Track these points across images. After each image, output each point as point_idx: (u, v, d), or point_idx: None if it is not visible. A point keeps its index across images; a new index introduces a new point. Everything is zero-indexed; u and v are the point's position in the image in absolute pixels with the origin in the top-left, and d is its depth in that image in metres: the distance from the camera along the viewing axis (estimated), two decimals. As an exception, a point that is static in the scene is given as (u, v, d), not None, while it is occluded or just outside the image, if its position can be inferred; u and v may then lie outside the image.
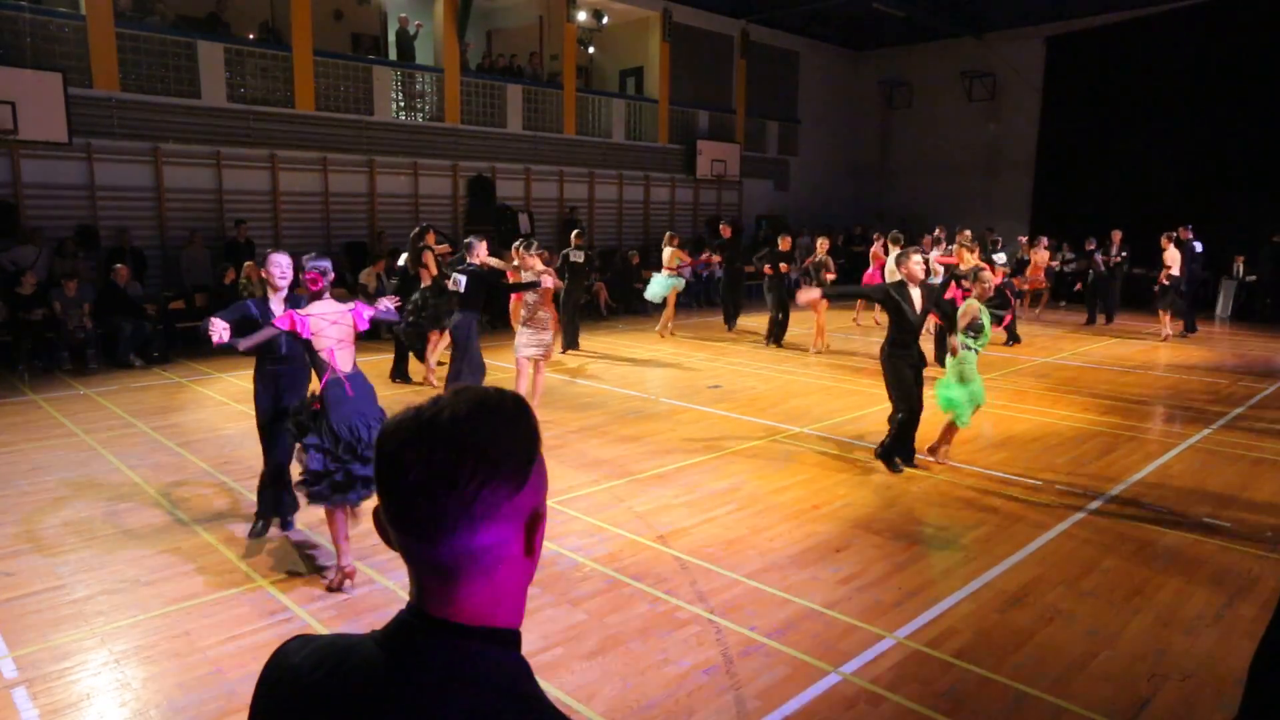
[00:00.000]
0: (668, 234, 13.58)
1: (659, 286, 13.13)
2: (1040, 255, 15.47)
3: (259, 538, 5.17)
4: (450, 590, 0.89)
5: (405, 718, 0.85)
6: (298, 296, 5.10)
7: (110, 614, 4.16)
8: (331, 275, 4.72)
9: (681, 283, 13.51)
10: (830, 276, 11.93)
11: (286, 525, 5.31)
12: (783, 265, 12.39)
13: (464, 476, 0.86)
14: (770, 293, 12.61)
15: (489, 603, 0.90)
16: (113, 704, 3.41)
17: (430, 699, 0.85)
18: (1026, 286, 15.32)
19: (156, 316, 11.29)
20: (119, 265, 10.96)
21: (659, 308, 13.87)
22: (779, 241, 12.66)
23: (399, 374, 9.74)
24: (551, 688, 3.52)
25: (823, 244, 12.33)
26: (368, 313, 4.72)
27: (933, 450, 6.81)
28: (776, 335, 12.75)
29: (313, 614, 4.18)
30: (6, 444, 7.13)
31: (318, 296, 4.65)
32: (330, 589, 4.43)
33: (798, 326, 13.64)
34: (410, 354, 9.87)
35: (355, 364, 4.69)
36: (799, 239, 20.77)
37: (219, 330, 4.57)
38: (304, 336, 4.50)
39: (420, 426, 0.88)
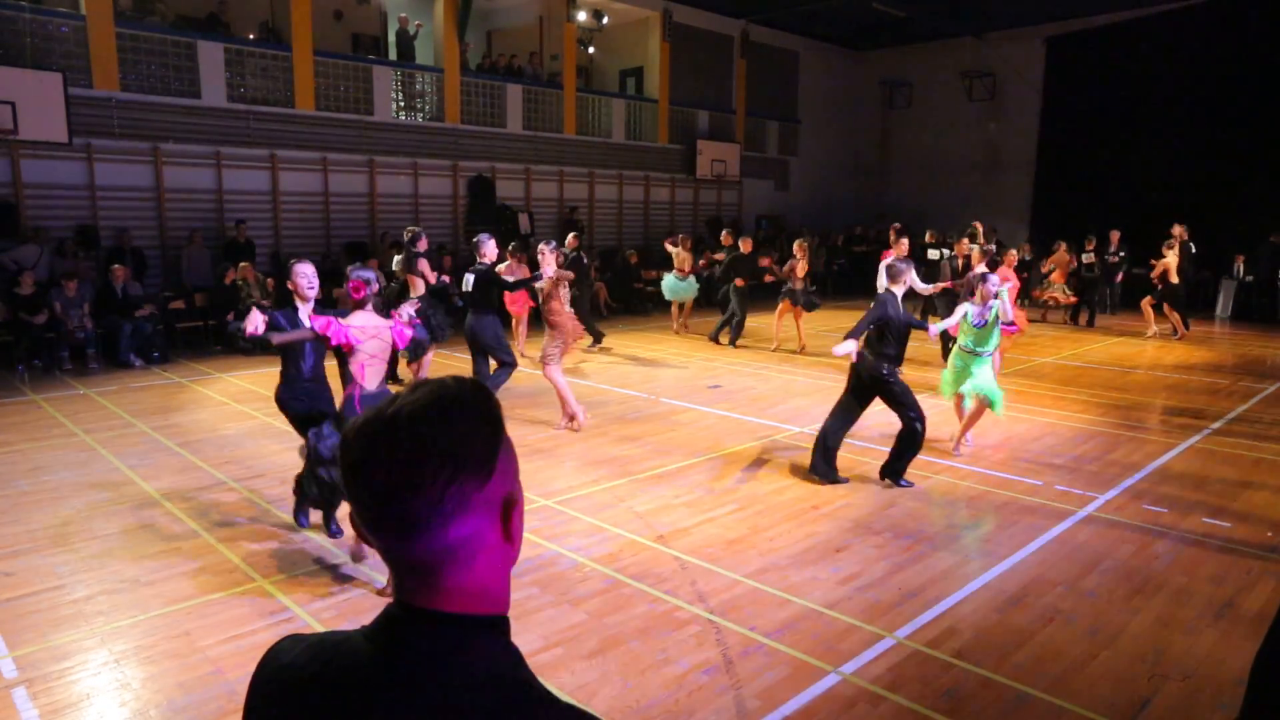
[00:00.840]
0: (680, 236, 13.66)
1: (673, 288, 13.34)
2: (1062, 258, 14.93)
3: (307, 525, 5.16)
4: (433, 584, 0.89)
5: (396, 710, 0.85)
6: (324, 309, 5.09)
7: (110, 614, 4.16)
8: (375, 286, 4.69)
9: (694, 287, 13.50)
10: (799, 284, 11.78)
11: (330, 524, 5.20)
12: (738, 280, 12.23)
13: (429, 477, 0.85)
14: (735, 296, 12.38)
15: (473, 593, 0.91)
16: (113, 704, 3.41)
17: (420, 690, 0.85)
18: (1056, 297, 14.92)
19: (157, 316, 11.28)
20: (115, 266, 10.95)
21: (663, 307, 13.91)
22: (740, 245, 12.57)
23: (390, 377, 9.77)
24: (551, 688, 3.50)
25: (799, 246, 11.90)
26: (408, 332, 4.73)
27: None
28: (732, 336, 12.59)
29: (313, 614, 4.18)
30: (6, 444, 7.13)
31: (360, 306, 4.63)
32: (381, 594, 4.39)
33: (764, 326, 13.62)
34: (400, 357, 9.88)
35: (384, 384, 4.67)
36: (799, 239, 20.80)
37: (255, 321, 4.54)
38: (336, 343, 4.48)
39: (380, 429, 0.87)
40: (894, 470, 6.28)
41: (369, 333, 4.58)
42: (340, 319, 4.55)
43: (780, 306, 12.05)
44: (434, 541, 0.87)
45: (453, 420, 0.88)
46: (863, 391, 6.28)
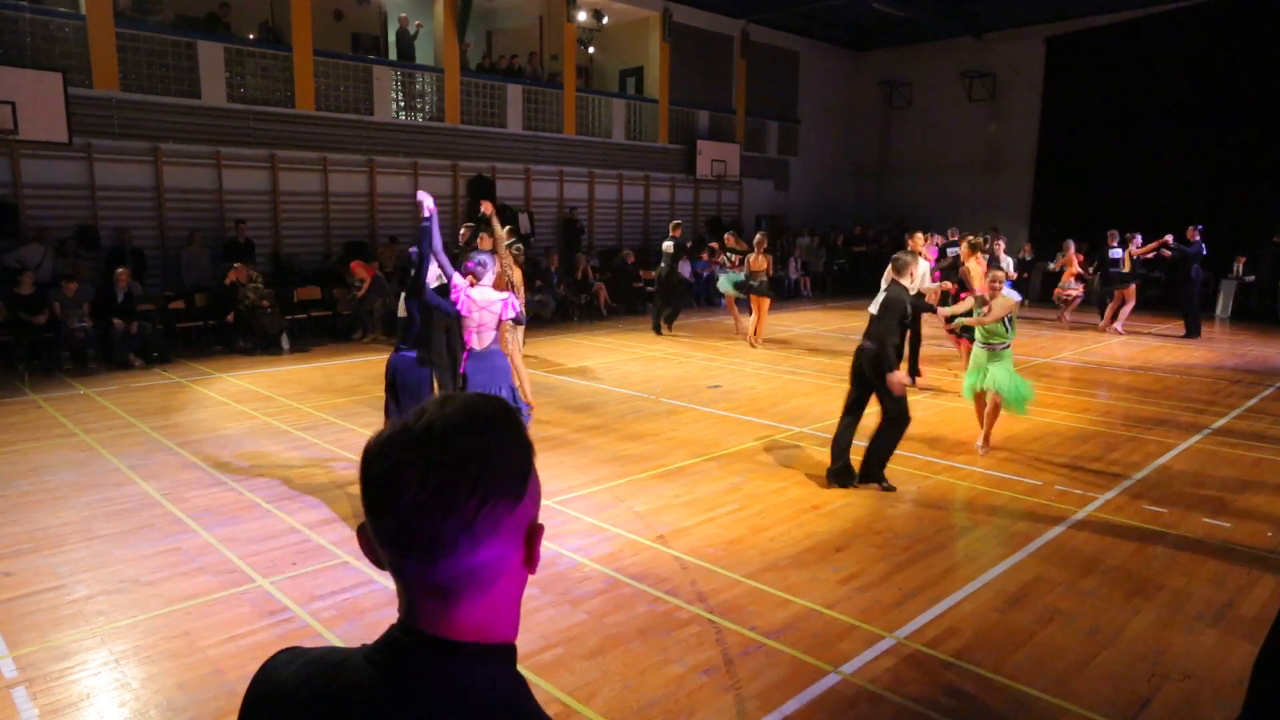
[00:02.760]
0: (727, 233, 13.93)
1: (727, 283, 13.45)
2: (1071, 259, 15.35)
3: None
4: (446, 609, 0.86)
5: None
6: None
7: (110, 614, 4.16)
8: (488, 269, 5.80)
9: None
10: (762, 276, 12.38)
11: None
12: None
13: (463, 495, 0.82)
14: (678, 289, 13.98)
15: (486, 618, 0.88)
16: (113, 704, 3.41)
17: (423, 719, 0.84)
18: (1069, 294, 15.46)
19: (156, 313, 11.27)
20: (120, 270, 10.88)
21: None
22: (672, 230, 13.73)
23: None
24: (551, 688, 3.51)
25: (757, 241, 12.59)
26: (510, 311, 5.77)
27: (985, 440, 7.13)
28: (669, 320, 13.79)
29: (313, 614, 4.18)
30: (6, 444, 7.12)
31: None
32: None
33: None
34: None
35: (493, 344, 5.73)
36: (799, 239, 20.85)
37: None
38: (459, 308, 5.62)
39: (411, 442, 0.83)
40: (871, 473, 6.16)
41: (479, 305, 5.63)
42: (468, 289, 5.65)
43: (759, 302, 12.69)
44: (459, 565, 0.84)
45: (487, 438, 0.84)
46: (863, 381, 6.16)
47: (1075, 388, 9.88)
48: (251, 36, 14.26)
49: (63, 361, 10.44)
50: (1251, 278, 16.60)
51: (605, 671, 3.66)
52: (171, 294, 12.08)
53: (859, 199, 24.05)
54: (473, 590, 0.86)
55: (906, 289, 6.23)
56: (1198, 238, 14.14)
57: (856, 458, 6.26)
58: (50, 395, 9.00)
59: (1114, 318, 14.55)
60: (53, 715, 3.33)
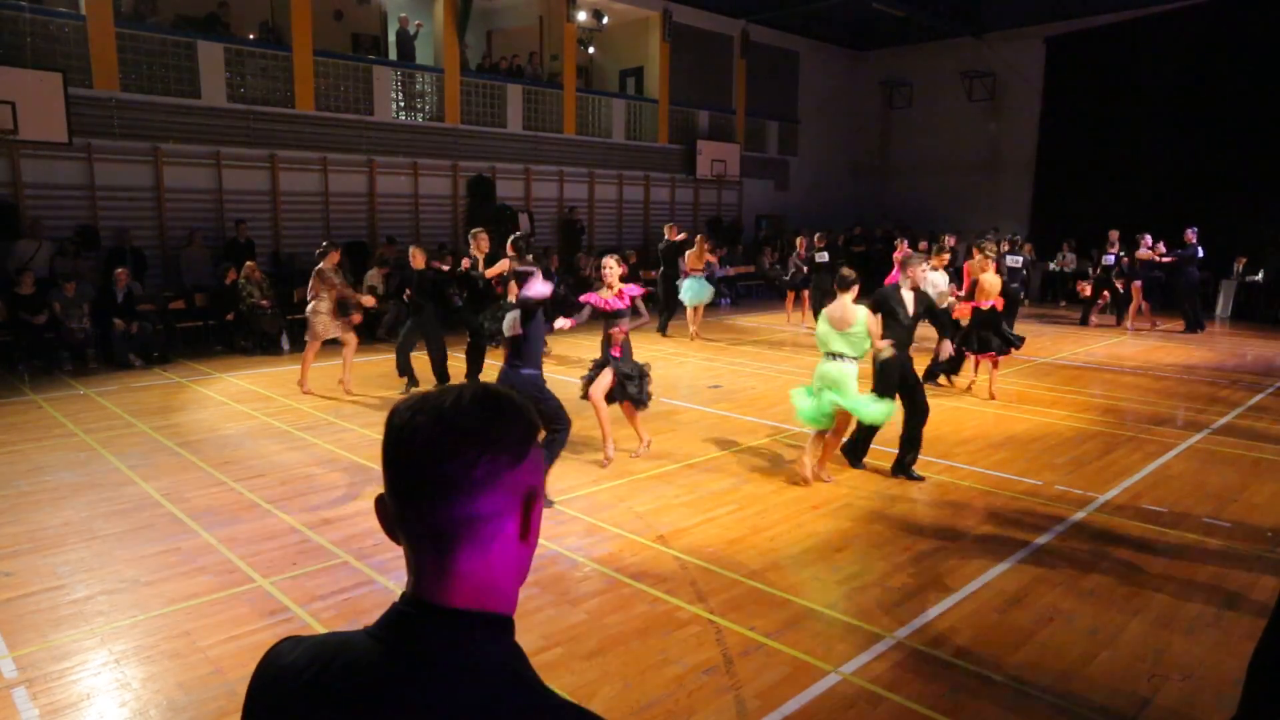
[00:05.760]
0: (699, 236, 13.62)
1: (696, 291, 13.06)
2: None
3: None
4: (446, 564, 0.91)
5: (406, 708, 0.86)
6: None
7: (110, 614, 4.16)
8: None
9: (711, 289, 13.37)
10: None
11: None
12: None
13: (466, 444, 0.90)
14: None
15: (484, 582, 0.92)
16: (113, 704, 3.41)
17: (429, 688, 0.86)
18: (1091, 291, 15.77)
19: (156, 313, 11.27)
20: (119, 270, 10.87)
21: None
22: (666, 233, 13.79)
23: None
24: (551, 688, 3.51)
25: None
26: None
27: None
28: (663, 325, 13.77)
29: (313, 614, 4.18)
30: (7, 444, 7.13)
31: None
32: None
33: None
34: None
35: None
36: (799, 238, 20.83)
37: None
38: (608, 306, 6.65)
39: (428, 405, 0.93)
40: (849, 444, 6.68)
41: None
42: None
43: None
44: (458, 510, 0.90)
45: (495, 411, 0.94)
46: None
47: (1075, 387, 9.88)
48: (251, 36, 14.26)
49: (63, 361, 10.44)
50: (1259, 277, 16.57)
51: (605, 671, 3.67)
52: (171, 294, 12.08)
53: (859, 199, 24.03)
54: (470, 545, 0.91)
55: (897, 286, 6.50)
56: (1194, 239, 14.20)
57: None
58: (50, 395, 9.00)
59: (1138, 315, 14.96)
60: (53, 715, 3.33)
